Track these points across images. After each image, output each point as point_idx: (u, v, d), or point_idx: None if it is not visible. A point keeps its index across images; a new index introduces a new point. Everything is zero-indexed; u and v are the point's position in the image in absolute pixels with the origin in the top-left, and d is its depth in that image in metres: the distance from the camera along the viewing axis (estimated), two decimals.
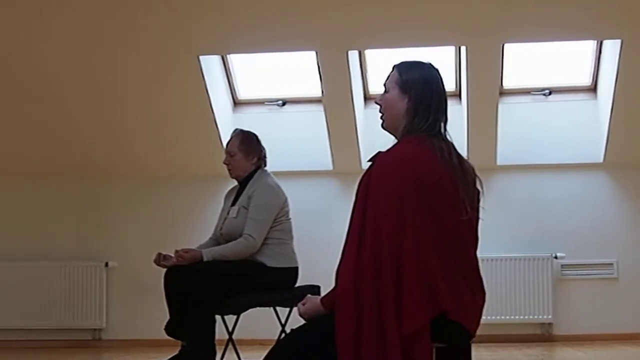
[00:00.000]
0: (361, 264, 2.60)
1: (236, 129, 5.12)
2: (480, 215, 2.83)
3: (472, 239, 2.78)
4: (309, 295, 2.85)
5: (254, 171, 4.95)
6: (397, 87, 2.85)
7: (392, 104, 2.85)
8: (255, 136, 5.05)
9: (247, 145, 4.97)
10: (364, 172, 2.77)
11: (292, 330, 2.75)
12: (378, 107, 2.91)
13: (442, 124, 2.83)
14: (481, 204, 2.85)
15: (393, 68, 2.91)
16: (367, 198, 2.68)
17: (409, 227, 2.60)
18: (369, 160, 2.79)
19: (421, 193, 2.65)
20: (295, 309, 4.56)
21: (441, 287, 2.59)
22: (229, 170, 5.01)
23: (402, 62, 2.91)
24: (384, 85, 2.90)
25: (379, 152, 2.78)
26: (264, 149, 5.04)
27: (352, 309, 2.57)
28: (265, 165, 5.02)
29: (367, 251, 2.60)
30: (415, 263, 2.57)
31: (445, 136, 2.83)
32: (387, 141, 2.89)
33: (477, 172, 2.86)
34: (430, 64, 2.91)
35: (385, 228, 2.60)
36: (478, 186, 2.84)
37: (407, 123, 2.81)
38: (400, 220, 2.61)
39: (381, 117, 2.90)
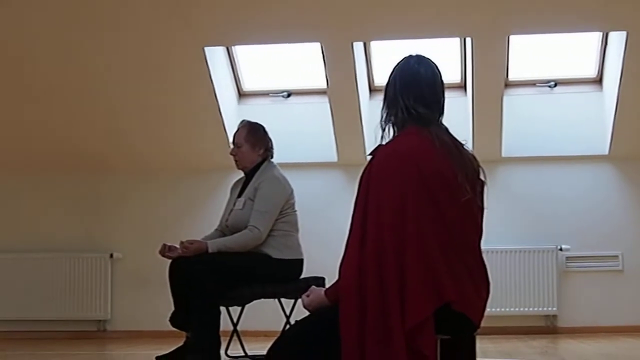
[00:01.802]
0: (364, 256, 2.60)
1: (243, 120, 5.11)
2: (485, 205, 2.82)
3: (476, 230, 2.77)
4: (313, 286, 2.85)
5: (261, 163, 4.95)
6: None
7: None
8: (262, 127, 5.04)
9: (254, 136, 4.96)
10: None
11: (296, 321, 2.76)
12: None
13: (427, 110, 2.78)
14: (485, 194, 2.84)
15: None
16: (369, 191, 2.68)
17: (410, 219, 2.59)
18: (369, 154, 2.79)
19: (422, 184, 2.64)
20: (299, 300, 4.57)
21: (444, 278, 2.59)
22: (236, 161, 5.01)
23: None
24: None
25: (380, 145, 2.78)
26: (270, 140, 5.03)
27: (356, 301, 2.57)
28: (272, 157, 5.02)
29: (369, 244, 2.60)
30: (417, 255, 2.57)
31: (440, 123, 2.81)
32: (391, 133, 2.89)
33: (482, 164, 2.85)
34: (411, 55, 2.87)
35: (386, 220, 2.60)
36: (482, 177, 2.83)
37: (387, 115, 2.82)
38: (401, 212, 2.60)
39: None
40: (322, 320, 2.66)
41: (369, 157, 2.78)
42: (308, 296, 2.77)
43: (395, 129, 2.82)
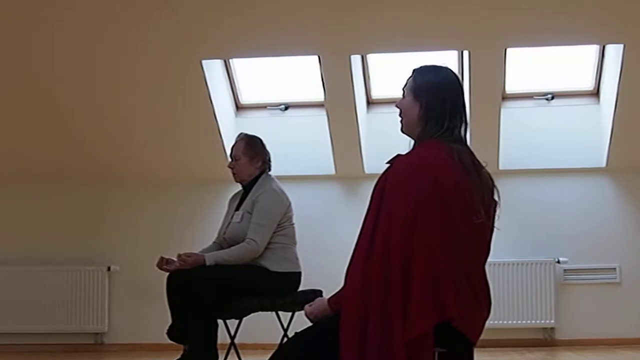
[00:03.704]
0: (370, 265, 2.59)
1: (241, 133, 5.11)
2: (496, 224, 2.82)
3: (484, 249, 2.76)
4: (318, 297, 2.85)
5: (259, 175, 4.95)
6: (411, 93, 2.84)
7: (407, 110, 2.85)
8: (260, 140, 5.05)
9: (252, 149, 4.97)
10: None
11: (295, 333, 2.75)
12: (398, 110, 2.90)
13: (461, 129, 2.81)
14: (497, 213, 2.84)
15: (412, 72, 2.90)
16: (382, 200, 2.67)
17: (420, 232, 2.59)
18: (387, 162, 2.78)
19: (437, 198, 2.63)
20: (297, 313, 4.57)
21: (448, 295, 2.57)
22: (234, 174, 5.01)
23: (419, 67, 2.89)
24: (402, 89, 2.90)
25: (398, 155, 2.77)
26: (268, 153, 5.03)
27: (358, 310, 2.56)
28: (269, 170, 5.02)
29: (377, 253, 2.60)
30: (423, 268, 2.56)
31: (465, 141, 2.81)
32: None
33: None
34: (446, 68, 2.87)
35: (397, 231, 2.59)
36: (495, 197, 2.83)
37: (422, 129, 2.80)
38: (412, 224, 2.59)
39: (400, 122, 2.90)
40: (321, 331, 2.66)
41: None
42: (311, 305, 2.77)
43: (418, 140, 2.81)
